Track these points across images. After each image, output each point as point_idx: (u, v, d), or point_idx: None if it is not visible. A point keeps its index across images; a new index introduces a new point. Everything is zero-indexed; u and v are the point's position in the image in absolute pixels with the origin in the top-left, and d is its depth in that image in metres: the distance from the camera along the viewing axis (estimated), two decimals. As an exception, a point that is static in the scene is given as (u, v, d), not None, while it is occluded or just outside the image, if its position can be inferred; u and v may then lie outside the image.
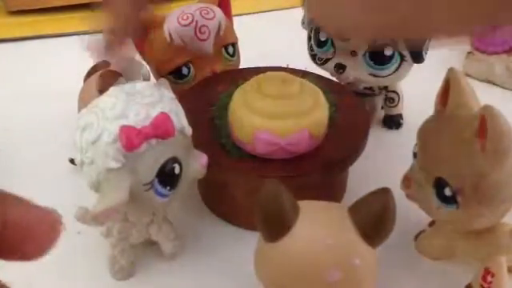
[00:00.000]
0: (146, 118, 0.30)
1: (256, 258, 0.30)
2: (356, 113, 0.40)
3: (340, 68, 0.43)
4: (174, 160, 0.31)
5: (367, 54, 0.42)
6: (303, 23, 0.47)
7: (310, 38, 0.46)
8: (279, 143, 0.34)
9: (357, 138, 0.37)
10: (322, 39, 0.43)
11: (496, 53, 0.52)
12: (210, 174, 0.34)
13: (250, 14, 0.71)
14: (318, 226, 0.28)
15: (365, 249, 0.27)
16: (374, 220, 0.27)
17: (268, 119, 0.34)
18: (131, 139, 0.29)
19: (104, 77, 0.39)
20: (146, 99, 0.31)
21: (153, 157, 0.30)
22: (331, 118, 0.38)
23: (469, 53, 0.54)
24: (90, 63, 0.43)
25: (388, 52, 0.41)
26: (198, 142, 0.35)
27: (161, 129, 0.30)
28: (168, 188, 0.31)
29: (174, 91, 0.37)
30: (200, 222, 0.40)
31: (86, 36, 0.35)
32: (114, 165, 0.29)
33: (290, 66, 0.44)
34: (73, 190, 0.42)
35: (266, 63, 0.45)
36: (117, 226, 0.33)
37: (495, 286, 0.31)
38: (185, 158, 0.32)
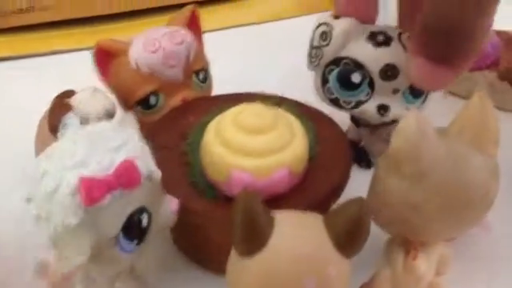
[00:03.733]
0: (108, 166, 0.27)
1: (230, 272, 0.29)
2: (337, 143, 0.37)
3: (384, 109, 0.40)
4: (142, 210, 0.29)
5: (408, 89, 0.39)
6: (313, 62, 0.41)
7: (325, 81, 0.41)
8: (257, 184, 0.31)
9: (339, 173, 0.35)
10: (356, 81, 0.39)
11: (478, 68, 0.50)
12: (182, 217, 0.32)
13: (220, 29, 0.68)
14: (294, 239, 0.28)
15: (339, 259, 0.28)
16: (348, 230, 0.27)
17: (245, 157, 0.32)
18: (92, 192, 0.26)
19: (54, 110, 0.36)
20: (110, 143, 0.28)
21: (117, 209, 0.27)
22: (311, 149, 0.35)
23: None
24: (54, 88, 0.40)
25: None
26: (169, 181, 0.32)
27: (125, 178, 0.27)
28: (135, 242, 0.29)
29: (142, 123, 0.34)
30: (174, 269, 0.37)
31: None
32: (73, 220, 0.26)
33: (266, 88, 0.42)
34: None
35: (240, 85, 0.43)
36: (78, 286, 0.30)
37: None
38: (153, 206, 0.30)
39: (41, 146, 0.35)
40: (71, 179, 0.26)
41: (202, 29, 0.45)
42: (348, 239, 0.28)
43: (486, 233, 0.34)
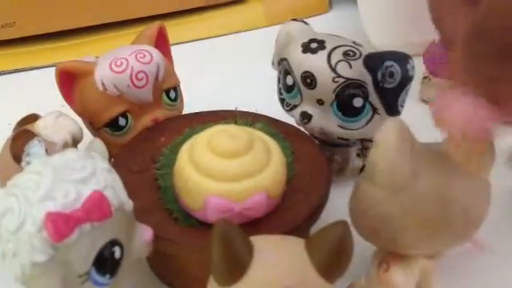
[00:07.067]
0: (76, 199, 0.25)
1: None
2: (314, 161, 0.36)
3: (305, 117, 0.39)
4: (114, 243, 0.27)
5: (335, 103, 0.37)
6: (273, 63, 0.42)
7: (279, 80, 0.41)
8: (234, 209, 0.30)
9: (318, 194, 0.34)
10: (289, 83, 0.39)
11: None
12: (156, 245, 0.30)
13: (189, 42, 0.65)
14: (275, 266, 0.26)
15: (323, 285, 0.26)
16: (331, 255, 0.26)
17: (220, 182, 0.30)
18: (59, 228, 0.25)
19: (17, 138, 0.34)
20: (77, 174, 0.26)
21: (88, 244, 0.26)
22: (288, 170, 0.34)
23: (424, 78, 0.52)
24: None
25: (357, 103, 0.37)
26: (141, 209, 0.30)
27: (95, 211, 0.26)
28: (108, 276, 0.27)
29: (111, 145, 0.32)
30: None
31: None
32: (40, 258, 0.25)
33: (241, 103, 0.41)
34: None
35: (213, 101, 0.42)
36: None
37: None
38: (126, 238, 0.28)
39: (2, 175, 0.33)
40: (37, 215, 0.25)
41: (171, 42, 0.44)
42: (331, 264, 0.27)
43: (478, 250, 0.33)
